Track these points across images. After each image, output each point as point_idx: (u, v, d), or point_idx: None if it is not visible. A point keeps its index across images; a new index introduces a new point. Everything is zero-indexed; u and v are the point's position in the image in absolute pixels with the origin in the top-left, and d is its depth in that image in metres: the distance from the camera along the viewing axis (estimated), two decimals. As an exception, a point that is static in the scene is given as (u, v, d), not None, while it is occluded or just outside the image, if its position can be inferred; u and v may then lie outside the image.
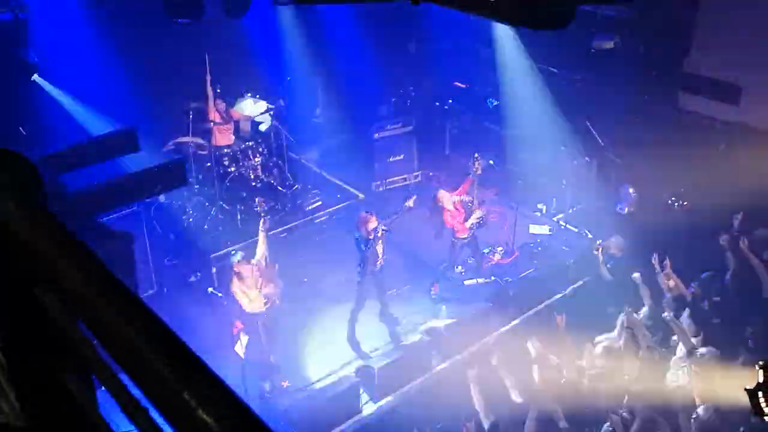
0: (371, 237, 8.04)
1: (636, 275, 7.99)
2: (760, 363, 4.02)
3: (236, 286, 7.63)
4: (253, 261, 7.73)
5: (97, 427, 1.18)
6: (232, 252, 8.03)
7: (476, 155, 8.90)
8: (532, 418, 6.38)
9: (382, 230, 8.08)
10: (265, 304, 7.74)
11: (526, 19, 1.88)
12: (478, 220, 9.04)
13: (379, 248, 8.18)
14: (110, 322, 1.07)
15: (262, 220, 7.92)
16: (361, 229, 8.12)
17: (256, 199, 8.64)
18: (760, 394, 3.91)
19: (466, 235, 9.10)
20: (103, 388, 1.11)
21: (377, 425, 7.56)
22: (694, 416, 6.33)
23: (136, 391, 1.01)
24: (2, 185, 1.29)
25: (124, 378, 1.03)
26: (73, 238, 1.21)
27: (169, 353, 0.99)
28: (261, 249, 7.79)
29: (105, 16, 9.92)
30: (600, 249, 8.85)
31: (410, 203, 8.43)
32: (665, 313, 7.54)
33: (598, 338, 7.60)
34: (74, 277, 1.13)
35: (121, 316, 1.07)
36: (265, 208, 8.41)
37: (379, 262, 8.26)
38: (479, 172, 8.87)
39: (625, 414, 6.48)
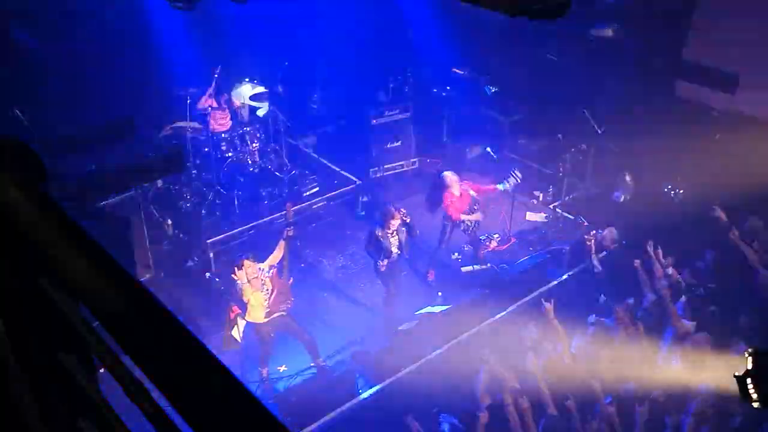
0: (389, 231, 8.01)
1: (637, 262, 8.04)
2: (749, 350, 4.08)
3: (243, 285, 7.24)
4: (262, 265, 7.40)
5: (98, 407, 1.22)
6: (249, 255, 7.44)
7: (516, 172, 8.95)
8: (525, 402, 6.45)
9: (404, 220, 7.95)
10: (267, 315, 7.45)
11: (523, 10, 1.90)
12: (472, 222, 9.10)
13: (394, 240, 8.10)
14: (113, 308, 1.11)
15: (287, 229, 7.47)
16: (385, 223, 8.05)
17: (287, 204, 7.87)
18: (748, 380, 3.97)
19: (457, 221, 9.11)
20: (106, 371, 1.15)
21: (373, 409, 7.63)
22: (686, 401, 6.41)
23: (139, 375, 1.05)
24: (5, 174, 1.31)
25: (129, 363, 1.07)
26: (76, 225, 1.25)
27: (170, 337, 1.03)
28: (276, 255, 7.48)
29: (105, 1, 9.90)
30: (592, 240, 8.90)
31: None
32: (660, 300, 7.60)
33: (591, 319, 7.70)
34: (78, 264, 1.16)
35: (124, 302, 1.11)
36: (294, 216, 7.79)
37: (395, 254, 8.18)
38: (509, 188, 8.97)
39: (615, 400, 6.56)
